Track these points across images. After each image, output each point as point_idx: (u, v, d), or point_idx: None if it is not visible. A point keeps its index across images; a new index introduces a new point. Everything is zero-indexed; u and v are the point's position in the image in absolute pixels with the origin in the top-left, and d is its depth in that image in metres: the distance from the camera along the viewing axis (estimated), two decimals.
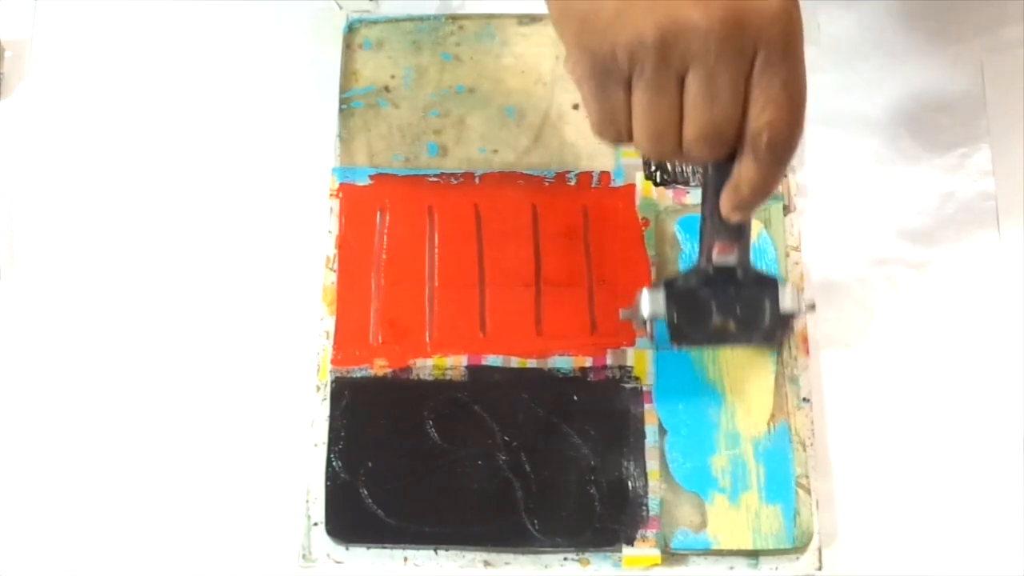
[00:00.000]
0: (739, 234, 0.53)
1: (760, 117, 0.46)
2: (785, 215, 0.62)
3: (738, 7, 0.44)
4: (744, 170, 0.48)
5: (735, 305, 0.54)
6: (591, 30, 0.46)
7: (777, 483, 0.57)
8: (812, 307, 0.55)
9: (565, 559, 0.57)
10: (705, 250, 0.53)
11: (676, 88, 0.46)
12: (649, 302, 0.54)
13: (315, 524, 0.57)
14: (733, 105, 0.46)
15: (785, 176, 0.63)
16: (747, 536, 0.57)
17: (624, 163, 0.63)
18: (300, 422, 0.59)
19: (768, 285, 0.54)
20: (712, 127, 0.46)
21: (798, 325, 0.59)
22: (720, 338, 0.55)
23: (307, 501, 0.58)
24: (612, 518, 0.57)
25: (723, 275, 0.54)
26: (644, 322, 0.55)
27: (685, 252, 0.61)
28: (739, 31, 0.44)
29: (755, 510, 0.57)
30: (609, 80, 0.46)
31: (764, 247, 0.61)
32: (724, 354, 0.59)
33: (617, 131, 0.48)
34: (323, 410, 0.59)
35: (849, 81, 0.65)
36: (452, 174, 0.63)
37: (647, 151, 0.48)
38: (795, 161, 0.63)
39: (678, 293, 0.54)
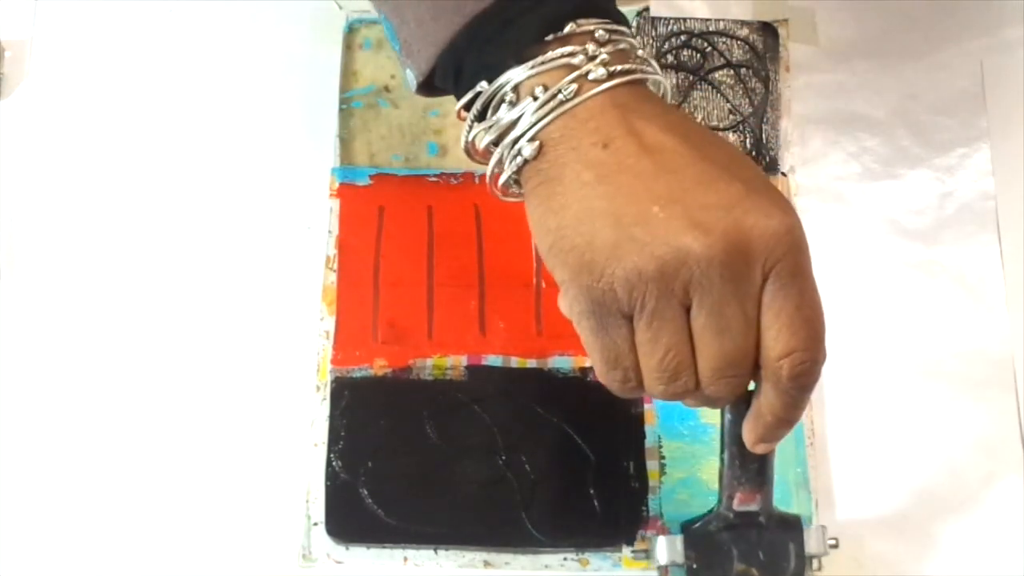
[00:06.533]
0: (762, 480, 0.50)
1: (776, 346, 0.43)
2: None
3: (739, 231, 0.41)
4: (766, 400, 0.45)
5: (758, 550, 0.51)
6: (586, 264, 0.43)
7: (776, 483, 0.57)
8: (835, 545, 0.53)
9: (565, 559, 0.57)
10: (726, 496, 0.50)
11: (682, 322, 0.43)
12: (667, 549, 0.52)
13: (315, 524, 0.57)
14: (745, 335, 0.42)
15: (784, 176, 0.63)
16: None
17: None
18: (300, 422, 0.59)
19: (792, 527, 0.52)
20: (725, 360, 0.43)
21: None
22: None
23: (307, 501, 0.58)
24: (612, 518, 0.57)
25: (744, 519, 0.51)
26: (661, 568, 0.52)
27: None
28: (742, 257, 0.41)
29: None
30: (609, 318, 0.43)
31: None
32: None
33: (624, 373, 0.45)
34: (323, 410, 0.59)
35: (849, 81, 0.65)
36: (452, 174, 0.63)
37: (660, 393, 0.45)
38: (795, 161, 0.63)
39: (696, 538, 0.52)
